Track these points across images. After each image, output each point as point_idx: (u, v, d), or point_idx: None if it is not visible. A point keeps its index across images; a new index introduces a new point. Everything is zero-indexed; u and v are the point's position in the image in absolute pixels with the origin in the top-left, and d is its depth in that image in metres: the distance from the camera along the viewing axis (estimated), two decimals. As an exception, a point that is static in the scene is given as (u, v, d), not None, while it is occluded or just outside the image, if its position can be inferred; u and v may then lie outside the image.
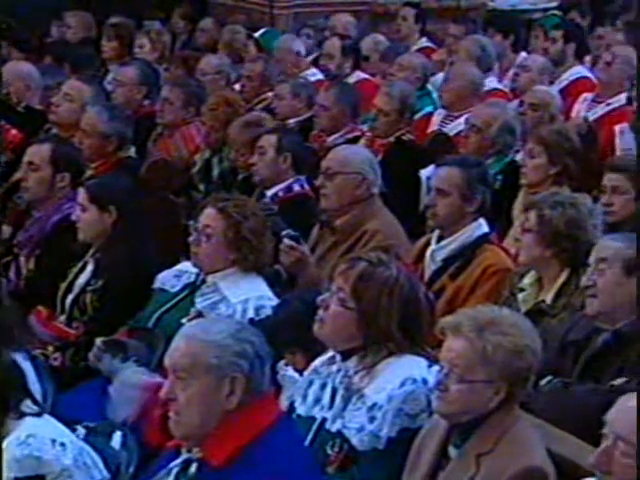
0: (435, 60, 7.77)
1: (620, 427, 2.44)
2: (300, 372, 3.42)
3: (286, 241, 4.33)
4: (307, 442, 3.12)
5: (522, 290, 4.13)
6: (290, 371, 3.47)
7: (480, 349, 2.88)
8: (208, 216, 4.02)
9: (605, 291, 3.55)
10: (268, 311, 3.86)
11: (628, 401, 2.47)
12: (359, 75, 7.53)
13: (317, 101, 6.29)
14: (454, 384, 2.90)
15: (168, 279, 4.18)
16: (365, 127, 6.24)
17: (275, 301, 3.93)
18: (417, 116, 6.53)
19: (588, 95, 6.86)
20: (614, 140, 6.12)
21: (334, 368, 3.24)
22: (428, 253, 4.53)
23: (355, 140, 6.14)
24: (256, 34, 8.34)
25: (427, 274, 4.49)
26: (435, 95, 7.07)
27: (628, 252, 3.56)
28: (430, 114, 6.86)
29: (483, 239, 4.47)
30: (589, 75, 7.33)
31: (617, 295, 3.56)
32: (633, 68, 6.71)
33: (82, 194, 4.54)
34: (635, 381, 2.98)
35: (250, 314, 3.88)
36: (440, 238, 4.51)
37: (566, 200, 4.15)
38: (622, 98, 6.42)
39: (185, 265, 4.20)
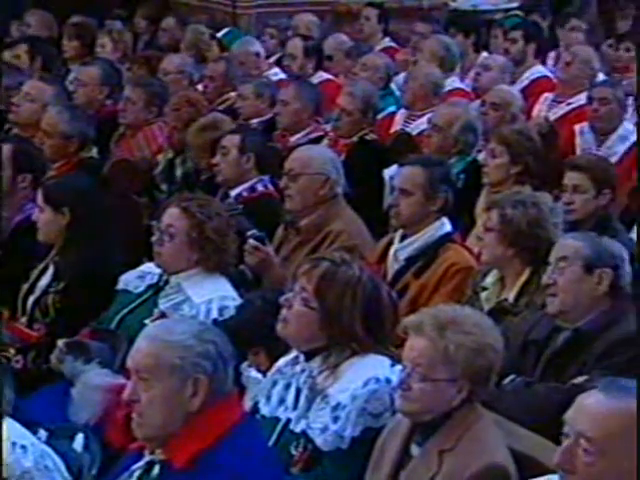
0: (399, 60, 7.79)
1: (581, 424, 2.45)
2: (263, 373, 3.41)
3: (251, 242, 4.33)
4: (271, 442, 3.12)
5: (485, 289, 4.15)
6: (254, 372, 3.46)
7: (442, 348, 2.89)
8: (171, 216, 4.00)
9: (565, 289, 3.57)
10: (232, 311, 3.85)
11: (588, 398, 2.48)
12: (322, 75, 7.54)
13: (278, 97, 6.28)
14: (417, 383, 2.91)
15: (131, 280, 4.16)
16: (328, 127, 6.25)
17: (239, 301, 3.92)
18: (380, 116, 6.55)
19: (549, 95, 6.91)
20: (574, 139, 6.17)
21: (298, 368, 3.24)
22: (391, 252, 4.54)
23: (318, 140, 6.15)
24: (219, 34, 8.33)
25: (390, 273, 4.51)
26: (398, 94, 7.09)
27: (588, 250, 3.59)
28: (393, 114, 6.89)
29: (446, 238, 4.49)
30: (549, 75, 7.39)
31: (577, 293, 3.58)
32: (592, 68, 6.77)
33: (39, 195, 4.51)
34: (596, 378, 3.00)
35: (214, 314, 3.87)
36: (403, 237, 4.53)
37: (528, 199, 4.18)
38: (582, 98, 6.47)
39: (148, 266, 4.18)
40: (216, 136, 5.43)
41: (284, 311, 3.23)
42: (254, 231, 4.40)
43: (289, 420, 3.17)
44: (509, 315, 3.98)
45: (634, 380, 2.53)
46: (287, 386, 3.24)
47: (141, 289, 4.11)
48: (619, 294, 3.61)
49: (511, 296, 4.04)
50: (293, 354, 3.29)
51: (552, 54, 7.93)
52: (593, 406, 2.45)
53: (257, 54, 7.72)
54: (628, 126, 6.15)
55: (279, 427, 3.16)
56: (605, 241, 3.68)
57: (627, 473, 2.40)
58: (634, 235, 5.15)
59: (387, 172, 5.71)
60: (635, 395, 2.43)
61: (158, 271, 4.08)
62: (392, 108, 6.93)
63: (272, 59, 8.05)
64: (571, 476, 2.46)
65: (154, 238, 4.02)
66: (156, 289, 4.06)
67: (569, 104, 6.71)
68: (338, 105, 6.06)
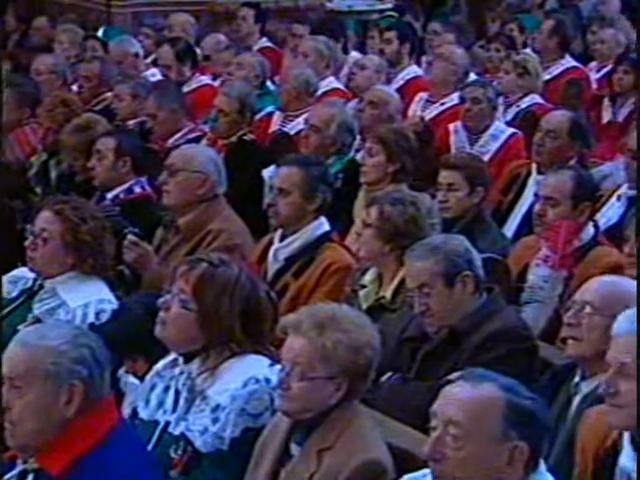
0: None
1: (448, 412, 2.51)
2: (141, 378, 3.38)
3: (130, 237, 4.30)
4: (150, 446, 3.09)
5: (363, 287, 4.19)
6: (131, 377, 3.42)
7: (320, 346, 2.91)
8: (44, 219, 3.93)
9: (439, 309, 3.63)
10: (109, 315, 3.80)
11: (453, 388, 2.55)
12: (200, 79, 7.48)
13: (144, 110, 6.23)
14: (296, 382, 2.92)
15: (4, 285, 4.06)
16: (207, 127, 6.22)
17: (116, 305, 3.87)
18: (258, 116, 6.55)
19: (423, 95, 7.02)
20: (449, 138, 6.29)
21: (177, 371, 3.21)
22: (271, 252, 4.55)
23: (197, 140, 6.11)
24: (97, 33, 8.19)
25: (270, 273, 4.51)
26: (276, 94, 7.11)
27: (441, 266, 3.63)
28: (271, 113, 6.89)
29: (324, 237, 4.52)
30: (423, 75, 7.50)
31: (451, 307, 3.64)
32: (462, 68, 6.90)
33: None
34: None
35: (90, 319, 3.82)
36: (283, 237, 4.54)
37: (407, 198, 4.23)
38: (455, 98, 6.59)
39: (22, 270, 4.09)
40: (90, 137, 5.34)
41: (162, 313, 3.20)
42: (132, 228, 4.36)
43: (168, 423, 3.15)
44: (386, 312, 4.03)
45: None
46: (166, 389, 3.21)
47: (14, 294, 4.02)
48: (485, 288, 3.69)
49: (388, 294, 4.09)
50: (172, 357, 3.26)
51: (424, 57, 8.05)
52: (458, 393, 2.52)
53: (136, 54, 7.64)
54: (499, 125, 6.30)
55: (158, 430, 3.14)
56: (448, 245, 3.70)
57: (492, 455, 2.47)
58: (506, 231, 5.29)
59: (266, 172, 5.72)
60: (493, 381, 2.52)
61: (32, 275, 4.00)
62: (270, 108, 6.94)
63: (149, 59, 7.97)
64: (441, 465, 2.52)
65: (27, 242, 3.94)
66: (30, 294, 3.98)
67: (442, 104, 6.83)
68: (215, 106, 6.04)
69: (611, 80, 7.08)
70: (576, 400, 3.26)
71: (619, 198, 5.12)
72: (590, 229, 4.49)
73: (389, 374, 3.65)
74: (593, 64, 8.12)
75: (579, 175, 4.57)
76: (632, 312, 2.85)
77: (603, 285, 3.30)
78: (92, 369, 2.63)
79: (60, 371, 2.61)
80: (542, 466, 2.55)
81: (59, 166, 5.90)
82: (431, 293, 3.63)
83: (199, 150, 4.99)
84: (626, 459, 2.76)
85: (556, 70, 7.73)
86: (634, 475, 2.73)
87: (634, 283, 3.37)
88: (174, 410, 3.16)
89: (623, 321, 2.82)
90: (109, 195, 5.13)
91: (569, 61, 7.86)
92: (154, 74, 7.54)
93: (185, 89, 7.20)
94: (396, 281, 4.10)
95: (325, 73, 7.26)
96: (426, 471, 2.62)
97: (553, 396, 3.29)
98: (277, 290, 4.29)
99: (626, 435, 2.78)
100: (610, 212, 5.05)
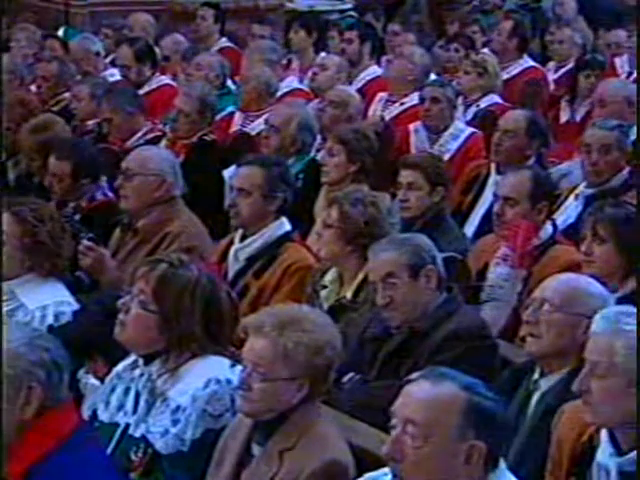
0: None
1: (407, 411, 2.52)
2: (101, 380, 3.36)
3: (84, 242, 4.27)
4: (110, 448, 3.07)
5: (324, 287, 4.20)
6: (91, 379, 3.40)
7: (281, 347, 2.91)
8: (2, 222, 3.89)
9: (403, 302, 3.65)
10: (68, 317, 3.78)
11: (413, 387, 2.55)
12: (160, 79, 7.44)
13: (100, 114, 6.19)
14: (257, 383, 2.92)
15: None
16: (167, 128, 6.20)
17: (76, 306, 3.84)
18: (219, 116, 6.53)
19: (384, 94, 7.04)
20: (409, 138, 6.31)
21: (137, 372, 3.20)
22: (232, 252, 4.54)
23: (157, 140, 6.09)
24: (57, 33, 8.13)
25: (231, 273, 4.51)
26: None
27: (406, 257, 3.66)
28: (232, 113, 6.88)
29: (285, 237, 4.52)
30: (384, 75, 7.52)
31: (414, 300, 3.66)
32: (422, 68, 6.94)
33: None
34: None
35: (49, 320, 3.78)
36: (243, 237, 4.53)
37: (367, 198, 4.25)
38: (415, 97, 6.62)
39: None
40: (48, 137, 5.29)
41: (121, 315, 3.18)
42: (88, 233, 4.33)
43: (128, 425, 3.13)
44: (348, 312, 4.04)
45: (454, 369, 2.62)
46: (126, 391, 3.20)
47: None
48: (446, 285, 3.72)
49: (349, 294, 4.10)
50: (132, 358, 3.25)
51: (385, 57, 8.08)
52: (417, 393, 2.53)
53: (97, 53, 7.59)
54: (459, 125, 6.33)
55: (118, 433, 3.12)
56: (413, 239, 3.74)
57: (451, 454, 2.48)
58: (466, 230, 5.32)
59: (227, 172, 5.71)
60: (453, 380, 2.52)
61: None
62: (231, 108, 6.93)
63: (108, 59, 7.92)
64: (400, 464, 2.52)
65: (-15, 244, 3.90)
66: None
67: (403, 104, 6.86)
68: (175, 106, 6.02)
69: (572, 80, 7.13)
70: (535, 397, 3.29)
71: (577, 197, 5.17)
72: (548, 228, 4.53)
73: (350, 374, 3.66)
74: (551, 64, 8.19)
75: (537, 175, 4.61)
76: (608, 311, 2.88)
77: (561, 283, 3.33)
78: (50, 372, 2.61)
79: (17, 374, 2.58)
80: (502, 464, 2.56)
81: (17, 167, 5.85)
82: (396, 284, 3.64)
83: (154, 152, 4.96)
84: (603, 455, 2.78)
85: (515, 70, 7.78)
86: (612, 471, 2.74)
87: (592, 281, 3.40)
88: (134, 412, 3.14)
89: (598, 320, 2.83)
90: (71, 204, 5.07)
91: (527, 61, 7.92)
92: (113, 74, 7.50)
93: (145, 89, 7.17)
94: (357, 281, 4.11)
95: (284, 74, 7.27)
96: (386, 470, 2.62)
97: (512, 393, 3.32)
98: (238, 290, 4.29)
99: (604, 431, 2.81)
100: (568, 211, 5.10)
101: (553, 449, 2.97)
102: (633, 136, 5.58)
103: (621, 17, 9.54)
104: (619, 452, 2.76)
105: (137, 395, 3.16)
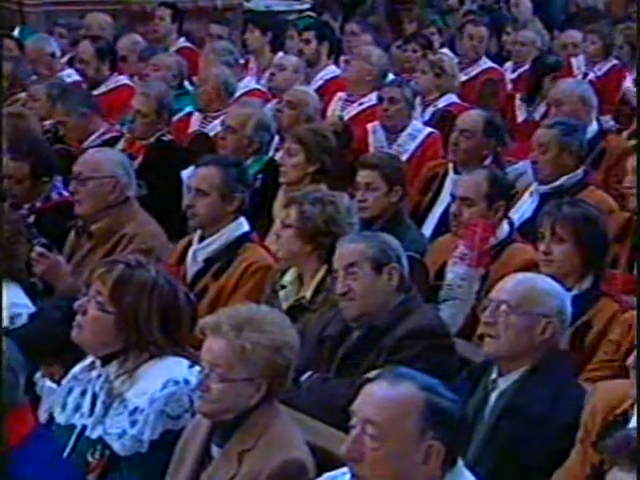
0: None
1: (366, 411, 2.52)
2: (58, 382, 3.33)
3: (37, 249, 4.22)
4: (67, 451, 3.05)
5: (283, 287, 4.20)
6: (48, 382, 3.37)
7: (239, 347, 2.91)
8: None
9: (362, 294, 3.65)
10: (24, 319, 3.74)
11: (372, 387, 2.55)
12: (118, 79, 7.40)
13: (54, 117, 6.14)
14: (215, 384, 2.91)
15: None
16: (125, 128, 6.16)
17: (32, 309, 3.81)
18: (177, 116, 6.51)
19: (342, 95, 7.06)
20: (368, 138, 6.32)
21: (94, 374, 3.18)
22: (190, 253, 4.52)
23: (115, 141, 6.05)
24: (12, 32, 8.05)
25: (189, 274, 4.49)
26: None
27: (372, 250, 3.68)
28: (190, 114, 6.86)
29: (244, 238, 4.51)
30: (342, 75, 7.54)
31: (373, 295, 3.67)
32: (380, 68, 6.95)
33: None
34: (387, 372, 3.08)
35: (5, 323, 3.75)
36: (202, 238, 4.52)
37: (326, 197, 4.25)
38: (373, 97, 6.64)
39: None
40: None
41: (79, 317, 3.16)
42: (41, 239, 4.29)
43: (85, 427, 3.11)
44: (307, 312, 4.03)
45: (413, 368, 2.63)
46: (83, 392, 3.18)
47: None
48: (407, 287, 3.73)
49: (308, 294, 4.10)
50: (89, 360, 3.22)
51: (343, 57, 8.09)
52: (376, 393, 2.53)
53: (52, 54, 7.53)
54: (417, 125, 6.36)
55: (75, 435, 3.10)
56: (382, 237, 3.78)
57: (409, 454, 2.49)
58: (424, 230, 5.34)
59: (185, 173, 5.68)
60: (412, 380, 2.53)
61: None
62: (189, 108, 6.90)
63: (64, 59, 7.86)
64: (359, 464, 2.52)
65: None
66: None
67: (361, 104, 6.87)
68: (132, 106, 5.99)
69: (532, 81, 7.18)
70: (493, 396, 3.30)
71: (531, 194, 5.21)
72: (505, 227, 4.56)
73: (309, 373, 3.66)
74: (508, 64, 8.25)
75: (493, 175, 4.64)
76: None
77: (518, 283, 3.35)
78: (5, 375, 2.58)
79: (-28, 377, 2.56)
80: (460, 463, 2.57)
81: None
82: (357, 274, 3.65)
83: (106, 154, 4.90)
84: (633, 425, 2.83)
85: (473, 71, 7.84)
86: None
87: (548, 280, 3.43)
88: (91, 414, 3.13)
89: None
90: (26, 205, 5.02)
91: (486, 62, 7.97)
92: (70, 75, 7.45)
93: (102, 89, 7.13)
94: (316, 281, 4.11)
95: (241, 74, 7.26)
96: (345, 469, 2.63)
97: (471, 392, 3.33)
98: (197, 291, 4.27)
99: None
100: (523, 208, 5.13)
101: (586, 418, 3.04)
102: (589, 134, 5.64)
103: (574, 18, 9.66)
104: None
105: (94, 397, 3.14)
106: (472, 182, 4.58)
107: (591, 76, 7.88)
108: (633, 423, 2.90)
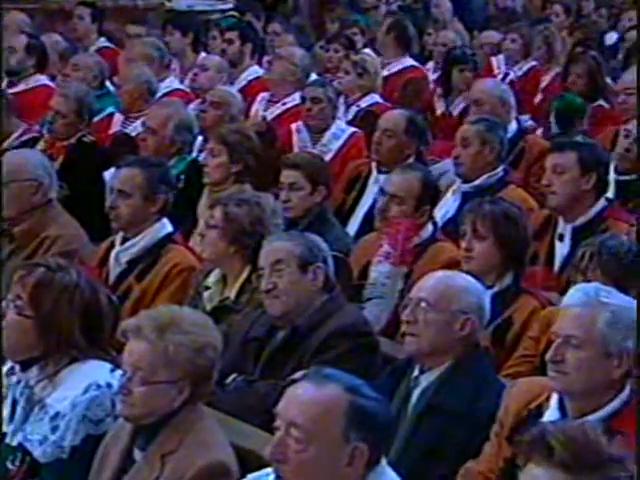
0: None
1: (290, 414, 2.51)
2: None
3: None
4: (-14, 459, 3.00)
5: (207, 288, 4.18)
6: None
7: (162, 350, 2.88)
8: None
9: (287, 292, 3.66)
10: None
11: (296, 389, 2.55)
12: (37, 79, 7.28)
13: None
14: (137, 387, 2.88)
15: None
16: (44, 129, 6.07)
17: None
18: (99, 117, 6.44)
19: (265, 95, 7.05)
20: (292, 138, 6.33)
21: (14, 379, 3.13)
22: (113, 255, 4.48)
23: (34, 142, 5.96)
24: None
25: (112, 276, 4.45)
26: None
27: (299, 249, 3.69)
28: (112, 114, 6.79)
29: (167, 239, 4.49)
30: (265, 75, 7.52)
31: (298, 293, 3.67)
32: (303, 68, 6.96)
33: None
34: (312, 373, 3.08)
35: None
36: (124, 239, 4.48)
37: (251, 198, 4.26)
38: (296, 97, 6.64)
39: None
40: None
41: (-3, 321, 3.11)
42: None
43: (5, 434, 3.06)
44: (231, 313, 4.02)
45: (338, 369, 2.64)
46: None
47: None
48: (331, 287, 3.74)
49: (233, 294, 4.09)
50: (8, 365, 3.17)
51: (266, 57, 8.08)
52: (300, 395, 2.52)
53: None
54: (340, 124, 6.38)
55: (-6, 442, 3.05)
56: (309, 236, 3.80)
57: (334, 457, 2.49)
58: (349, 229, 5.36)
59: (107, 174, 5.62)
60: (337, 382, 2.53)
61: None
62: (110, 109, 6.83)
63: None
64: (284, 466, 2.51)
65: None
66: None
67: (284, 104, 6.87)
68: (52, 107, 5.91)
69: (445, 74, 7.27)
70: (416, 393, 3.32)
71: (454, 192, 5.27)
72: (429, 227, 4.60)
73: (234, 375, 3.65)
74: (430, 64, 8.32)
75: (426, 177, 4.67)
76: (585, 286, 3.07)
77: (437, 281, 3.38)
78: None
79: None
80: (383, 462, 2.58)
81: None
82: (283, 272, 3.66)
83: (26, 156, 4.82)
84: (548, 420, 2.88)
85: (394, 68, 7.88)
86: None
87: (467, 277, 3.46)
88: (11, 420, 3.08)
89: (575, 294, 3.00)
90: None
91: (408, 60, 8.03)
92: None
93: (21, 87, 7.01)
94: (240, 281, 4.11)
95: (164, 74, 7.20)
96: (269, 470, 2.62)
97: (394, 390, 3.35)
98: (120, 293, 4.23)
99: (554, 398, 2.96)
100: (446, 206, 5.18)
101: (501, 412, 3.09)
102: (509, 134, 5.72)
103: (493, 19, 9.81)
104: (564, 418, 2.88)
105: (14, 403, 3.10)
106: (405, 181, 4.61)
107: (511, 76, 8.00)
108: (547, 417, 2.94)
